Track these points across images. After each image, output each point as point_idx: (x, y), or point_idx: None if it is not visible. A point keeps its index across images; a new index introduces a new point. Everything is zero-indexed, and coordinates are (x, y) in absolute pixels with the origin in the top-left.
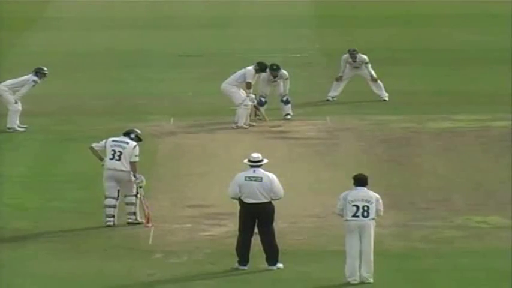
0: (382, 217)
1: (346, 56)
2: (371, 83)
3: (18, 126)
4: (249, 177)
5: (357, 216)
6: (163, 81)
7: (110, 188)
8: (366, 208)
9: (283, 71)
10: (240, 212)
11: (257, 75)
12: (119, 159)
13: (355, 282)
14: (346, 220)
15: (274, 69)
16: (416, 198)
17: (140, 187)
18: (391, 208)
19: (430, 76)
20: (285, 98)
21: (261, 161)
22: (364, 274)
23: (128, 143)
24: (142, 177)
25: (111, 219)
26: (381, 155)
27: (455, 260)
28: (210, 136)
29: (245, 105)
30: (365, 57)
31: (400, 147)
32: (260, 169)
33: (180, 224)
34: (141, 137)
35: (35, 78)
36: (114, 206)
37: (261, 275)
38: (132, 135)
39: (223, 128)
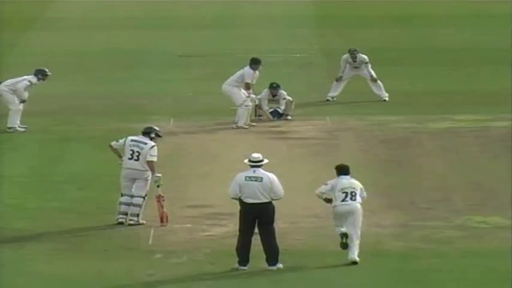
0: (382, 217)
1: (346, 56)
2: (371, 83)
3: (19, 126)
4: (249, 177)
5: (346, 201)
6: (163, 81)
7: (127, 187)
8: (353, 194)
9: (283, 91)
10: (241, 212)
11: (256, 73)
12: (138, 159)
13: (345, 230)
14: (335, 206)
15: (274, 87)
16: (416, 198)
17: (158, 186)
18: (391, 208)
19: (430, 76)
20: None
21: (262, 161)
22: (352, 255)
23: (145, 144)
24: (160, 176)
25: (124, 216)
26: (381, 155)
27: (455, 260)
28: (210, 136)
29: (246, 105)
30: (365, 57)
31: (400, 148)
32: (260, 169)
33: (180, 224)
34: (160, 134)
35: (33, 79)
36: (129, 204)
37: (261, 275)
38: (152, 135)
39: (223, 128)
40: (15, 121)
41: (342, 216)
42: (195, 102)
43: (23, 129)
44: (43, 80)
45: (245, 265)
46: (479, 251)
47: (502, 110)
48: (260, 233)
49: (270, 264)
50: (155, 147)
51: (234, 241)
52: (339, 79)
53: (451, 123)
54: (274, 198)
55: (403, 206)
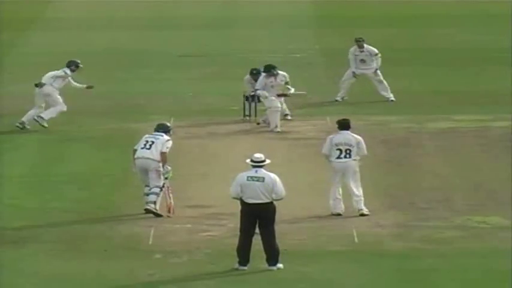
0: (382, 217)
1: (353, 48)
2: (376, 83)
3: (27, 124)
4: (251, 177)
5: (340, 158)
6: (163, 81)
7: (144, 179)
8: (348, 151)
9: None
10: (241, 212)
11: (269, 80)
12: (149, 148)
13: (340, 212)
14: (331, 162)
15: (254, 74)
16: (416, 198)
17: (166, 178)
18: (391, 208)
19: (430, 76)
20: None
21: (264, 161)
22: (360, 207)
23: (162, 136)
24: (170, 168)
25: (153, 205)
26: (381, 155)
27: (455, 260)
28: (210, 136)
29: (275, 108)
30: (374, 49)
31: (400, 148)
32: (262, 169)
33: (180, 224)
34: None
35: (68, 71)
36: (149, 194)
37: (261, 275)
38: (171, 132)
39: (224, 128)
40: (49, 115)
41: (339, 172)
42: (195, 102)
43: (29, 127)
44: (74, 71)
45: (245, 265)
46: (479, 251)
47: (502, 110)
48: (261, 233)
49: (270, 264)
50: (170, 141)
51: (234, 241)
52: (353, 75)
53: (451, 123)
54: (275, 198)
55: (403, 206)
